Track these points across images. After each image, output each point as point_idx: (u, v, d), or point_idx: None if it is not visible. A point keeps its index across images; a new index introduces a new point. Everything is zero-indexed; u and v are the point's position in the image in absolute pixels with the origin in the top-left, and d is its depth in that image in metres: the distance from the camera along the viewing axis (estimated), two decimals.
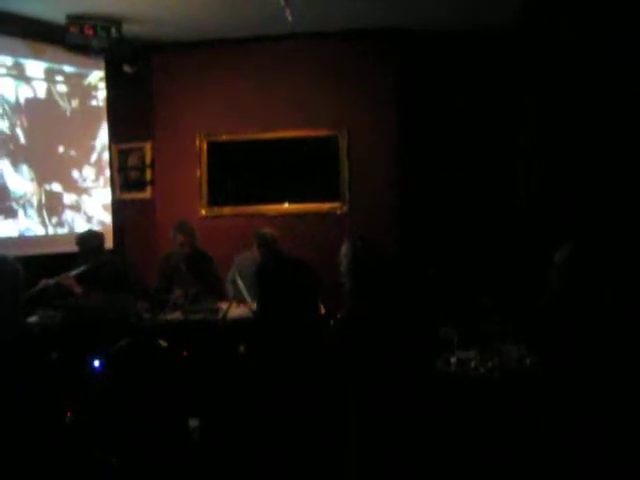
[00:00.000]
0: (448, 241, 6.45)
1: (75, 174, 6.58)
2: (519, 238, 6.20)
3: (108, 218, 6.84)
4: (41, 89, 6.31)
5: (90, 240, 5.43)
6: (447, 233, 6.50)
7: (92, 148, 6.72)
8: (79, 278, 5.18)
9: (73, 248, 5.53)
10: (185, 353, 4.59)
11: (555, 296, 3.69)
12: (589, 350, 3.29)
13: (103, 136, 6.80)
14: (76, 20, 5.78)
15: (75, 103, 6.57)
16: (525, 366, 3.43)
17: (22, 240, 6.12)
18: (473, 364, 3.49)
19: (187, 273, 5.48)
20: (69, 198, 6.53)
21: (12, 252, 5.23)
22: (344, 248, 4.88)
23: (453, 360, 3.55)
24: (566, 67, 6.05)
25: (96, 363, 4.03)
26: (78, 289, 5.11)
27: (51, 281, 5.10)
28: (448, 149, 6.67)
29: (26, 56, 6.13)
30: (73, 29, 5.78)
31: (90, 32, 5.81)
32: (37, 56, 6.20)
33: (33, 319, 4.88)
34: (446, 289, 5.37)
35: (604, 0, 5.64)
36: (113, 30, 5.88)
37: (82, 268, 5.21)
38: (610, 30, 5.62)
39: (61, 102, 6.45)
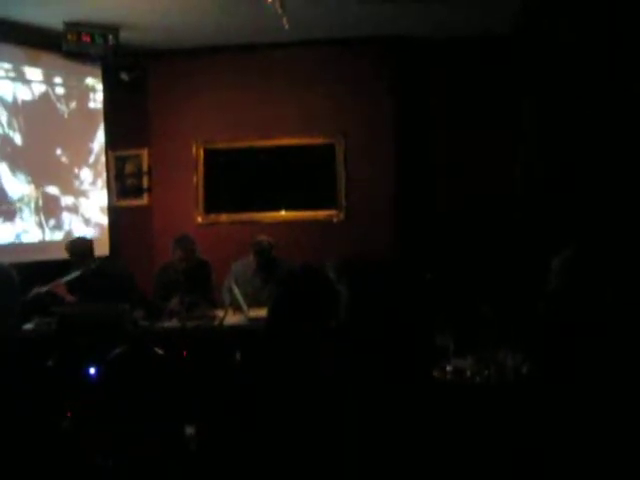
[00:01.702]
0: (446, 248, 6.45)
1: (72, 176, 6.57)
2: (518, 244, 6.19)
3: (105, 221, 6.83)
4: (39, 91, 6.30)
5: (79, 246, 5.42)
6: (445, 240, 6.50)
7: (90, 150, 6.71)
8: (71, 285, 5.17)
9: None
10: (185, 353, 4.59)
11: (554, 302, 3.69)
12: (589, 356, 3.28)
13: (101, 138, 6.79)
14: (73, 27, 5.78)
15: (73, 105, 6.56)
16: (521, 374, 3.43)
17: (19, 247, 6.11)
18: (469, 372, 3.49)
19: (185, 284, 5.47)
20: (66, 200, 6.52)
21: (8, 259, 5.24)
22: (327, 266, 4.94)
23: (449, 368, 3.54)
24: (565, 70, 6.06)
25: (92, 370, 4.02)
26: (69, 297, 5.10)
27: (43, 289, 5.08)
28: (446, 156, 6.68)
29: (23, 63, 6.13)
30: (70, 36, 5.78)
31: (87, 39, 5.81)
32: (34, 63, 6.20)
33: (29, 326, 4.88)
34: (444, 296, 5.37)
35: (603, 3, 5.65)
36: (110, 37, 5.89)
37: (73, 275, 5.20)
38: (610, 33, 5.63)
39: (59, 104, 6.45)
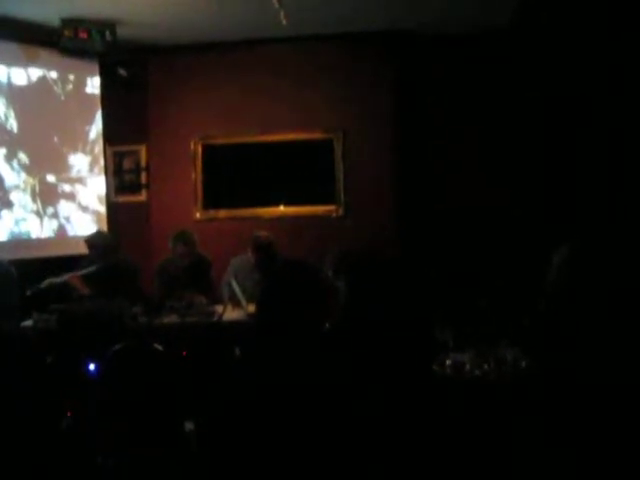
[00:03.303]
0: (446, 243, 6.45)
1: (70, 162, 6.54)
2: (519, 240, 6.19)
3: (103, 209, 6.82)
4: (35, 75, 6.28)
5: (99, 240, 5.44)
6: (445, 235, 6.50)
7: (87, 136, 6.67)
8: (88, 278, 5.17)
9: (68, 251, 5.53)
10: (184, 353, 4.60)
11: (554, 298, 3.69)
12: (588, 352, 3.29)
13: (98, 123, 6.75)
14: (70, 23, 5.77)
15: (69, 88, 6.53)
16: (520, 368, 3.43)
17: (18, 243, 6.11)
18: (468, 366, 3.49)
19: (185, 280, 5.47)
20: (64, 188, 6.51)
21: (8, 255, 5.26)
22: (326, 261, 4.96)
23: (448, 362, 3.55)
24: (565, 64, 6.06)
25: (91, 367, 4.03)
26: (85, 290, 5.11)
27: (57, 280, 5.09)
28: (446, 151, 6.68)
29: (19, 61, 6.11)
30: (67, 32, 5.77)
31: (84, 35, 5.80)
32: (31, 60, 6.18)
33: (28, 323, 4.89)
34: (444, 291, 5.37)
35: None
36: (107, 33, 5.88)
37: (90, 269, 5.20)
38: (609, 25, 5.63)
39: (55, 87, 6.42)
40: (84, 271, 5.18)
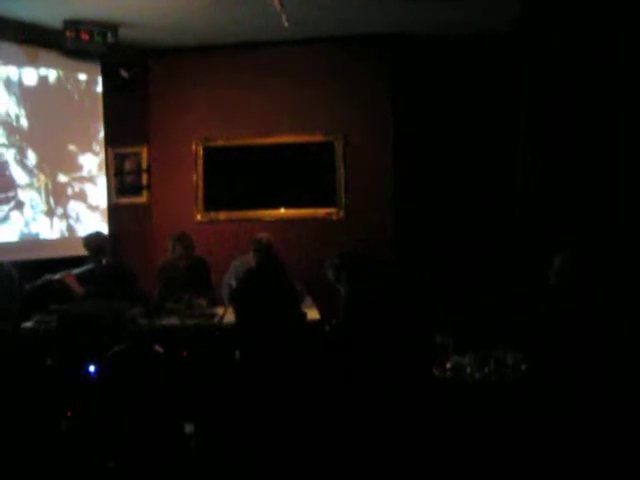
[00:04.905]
0: (445, 246, 6.45)
1: (80, 162, 6.56)
2: (517, 243, 6.19)
3: None
4: (46, 74, 6.31)
5: (93, 240, 5.46)
6: (444, 238, 6.50)
7: (97, 135, 6.68)
8: (82, 277, 5.19)
9: (76, 251, 5.57)
10: (185, 353, 4.60)
11: (555, 300, 3.69)
12: (588, 354, 3.29)
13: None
14: (72, 25, 5.77)
15: (82, 87, 6.55)
16: (520, 371, 3.43)
17: (25, 243, 6.13)
18: (468, 369, 3.49)
19: (184, 282, 5.48)
20: (74, 187, 6.53)
21: (17, 256, 5.27)
22: (326, 263, 4.97)
23: (449, 365, 3.55)
24: (564, 68, 6.06)
25: (92, 368, 4.03)
26: (79, 289, 5.13)
27: (55, 277, 5.12)
28: (445, 154, 6.68)
29: (21, 62, 6.11)
30: (69, 34, 5.77)
31: (86, 37, 5.80)
32: (32, 62, 6.19)
33: (29, 324, 4.89)
34: (443, 293, 5.37)
35: (601, 1, 5.65)
36: (109, 35, 5.88)
37: (85, 267, 5.23)
38: (608, 31, 5.63)
39: (67, 87, 6.45)
40: (78, 270, 5.21)
